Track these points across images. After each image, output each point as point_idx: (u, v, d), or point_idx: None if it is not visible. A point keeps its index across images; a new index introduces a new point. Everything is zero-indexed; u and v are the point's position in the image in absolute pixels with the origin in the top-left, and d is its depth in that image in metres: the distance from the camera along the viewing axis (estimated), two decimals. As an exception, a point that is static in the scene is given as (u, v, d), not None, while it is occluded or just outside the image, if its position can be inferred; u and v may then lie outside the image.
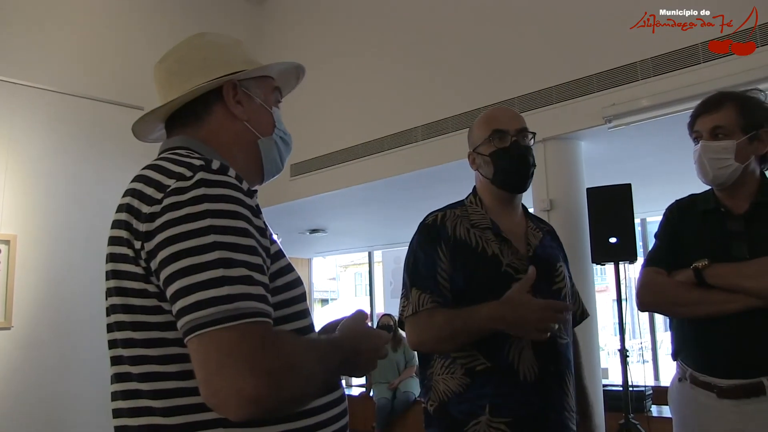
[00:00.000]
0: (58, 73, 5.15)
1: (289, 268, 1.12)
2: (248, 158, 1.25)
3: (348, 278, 20.60)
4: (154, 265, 0.98)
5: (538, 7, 4.47)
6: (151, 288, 1.00)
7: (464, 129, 4.67)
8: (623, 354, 4.23)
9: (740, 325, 1.78)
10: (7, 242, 4.73)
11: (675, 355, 1.99)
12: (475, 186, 1.98)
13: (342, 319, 1.22)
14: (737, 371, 1.80)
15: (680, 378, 1.96)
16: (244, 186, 1.04)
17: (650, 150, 4.69)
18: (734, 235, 1.88)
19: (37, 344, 4.74)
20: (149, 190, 1.03)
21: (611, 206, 3.93)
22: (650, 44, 3.82)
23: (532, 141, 1.91)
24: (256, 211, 1.05)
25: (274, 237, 1.12)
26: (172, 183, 1.01)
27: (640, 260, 4.11)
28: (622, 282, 4.20)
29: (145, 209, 1.01)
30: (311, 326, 1.16)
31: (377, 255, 10.71)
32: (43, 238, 4.90)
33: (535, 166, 1.90)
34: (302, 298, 1.15)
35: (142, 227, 1.00)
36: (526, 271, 1.76)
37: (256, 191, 1.10)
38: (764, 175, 1.96)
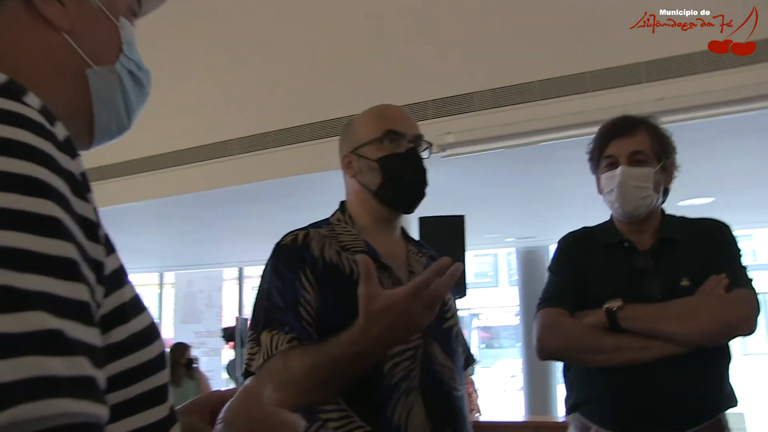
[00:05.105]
0: None
1: (136, 303, 0.63)
2: (67, 98, 0.72)
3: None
4: None
5: (374, 27, 4.30)
6: None
7: (285, 146, 4.43)
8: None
9: (659, 373, 1.62)
10: None
11: (573, 409, 1.79)
12: (343, 201, 1.62)
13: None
14: (656, 427, 1.63)
15: None
16: (59, 131, 0.56)
17: (480, 182, 4.71)
18: (644, 272, 1.73)
19: None
20: None
21: (443, 237, 3.80)
22: (485, 76, 3.81)
23: (427, 153, 1.60)
24: (81, 185, 0.56)
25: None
26: None
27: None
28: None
29: None
30: (172, 417, 0.65)
31: (168, 276, 9.92)
32: None
33: (428, 185, 1.59)
34: (160, 363, 0.64)
35: None
36: None
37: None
38: (663, 209, 1.87)
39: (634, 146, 1.74)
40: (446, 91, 3.93)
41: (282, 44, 4.63)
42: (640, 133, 1.76)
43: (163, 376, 0.63)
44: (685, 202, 5.02)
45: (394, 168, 1.51)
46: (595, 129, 3.05)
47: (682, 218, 1.84)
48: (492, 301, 22.56)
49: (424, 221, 3.92)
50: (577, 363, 1.79)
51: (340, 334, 1.26)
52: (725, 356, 1.71)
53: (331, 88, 4.40)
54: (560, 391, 7.67)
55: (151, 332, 0.63)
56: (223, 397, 0.85)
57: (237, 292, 9.86)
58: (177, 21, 4.94)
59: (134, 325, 0.61)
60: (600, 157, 1.80)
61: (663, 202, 1.84)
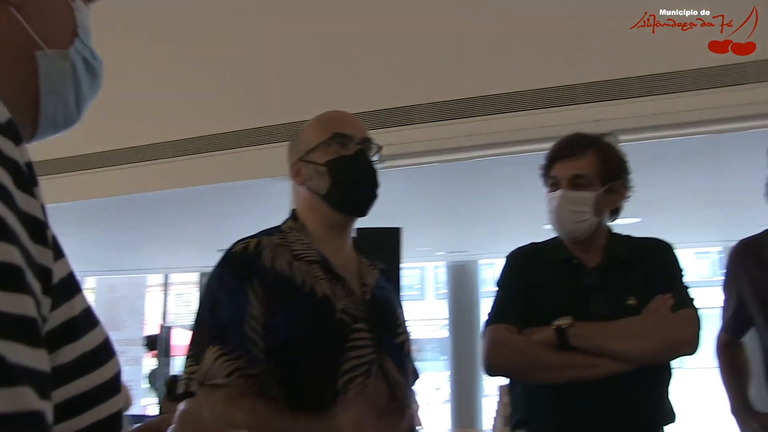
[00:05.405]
0: None
1: (87, 317, 0.56)
2: (10, 81, 0.63)
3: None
4: None
5: (314, 36, 4.24)
6: None
7: (219, 151, 4.30)
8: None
9: (603, 391, 1.64)
10: None
11: (518, 425, 1.79)
12: (294, 210, 1.57)
13: None
14: None
15: None
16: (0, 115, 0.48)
17: (415, 195, 4.71)
18: (591, 290, 1.75)
19: None
20: None
21: (379, 249, 3.74)
22: (426, 89, 3.80)
23: (378, 157, 1.56)
24: (27, 178, 0.49)
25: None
26: None
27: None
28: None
29: None
30: None
31: (90, 281, 9.55)
32: None
33: (379, 186, 1.54)
34: (114, 388, 0.57)
35: None
36: (365, 319, 1.42)
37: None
38: (610, 228, 1.88)
39: (576, 170, 1.76)
40: (386, 102, 3.91)
41: (221, 49, 4.53)
42: (586, 156, 1.76)
43: (117, 402, 0.56)
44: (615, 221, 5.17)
45: (342, 170, 1.48)
46: (533, 147, 3.09)
47: (628, 237, 1.88)
48: (418, 314, 22.68)
49: (360, 232, 3.86)
50: (525, 380, 1.79)
51: (298, 418, 1.25)
52: (666, 374, 1.75)
53: (269, 95, 4.32)
54: (486, 404, 7.73)
55: (105, 351, 0.56)
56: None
57: (162, 299, 9.58)
58: (113, 15, 4.76)
59: (85, 344, 0.54)
60: (546, 177, 1.82)
61: (613, 220, 1.87)
